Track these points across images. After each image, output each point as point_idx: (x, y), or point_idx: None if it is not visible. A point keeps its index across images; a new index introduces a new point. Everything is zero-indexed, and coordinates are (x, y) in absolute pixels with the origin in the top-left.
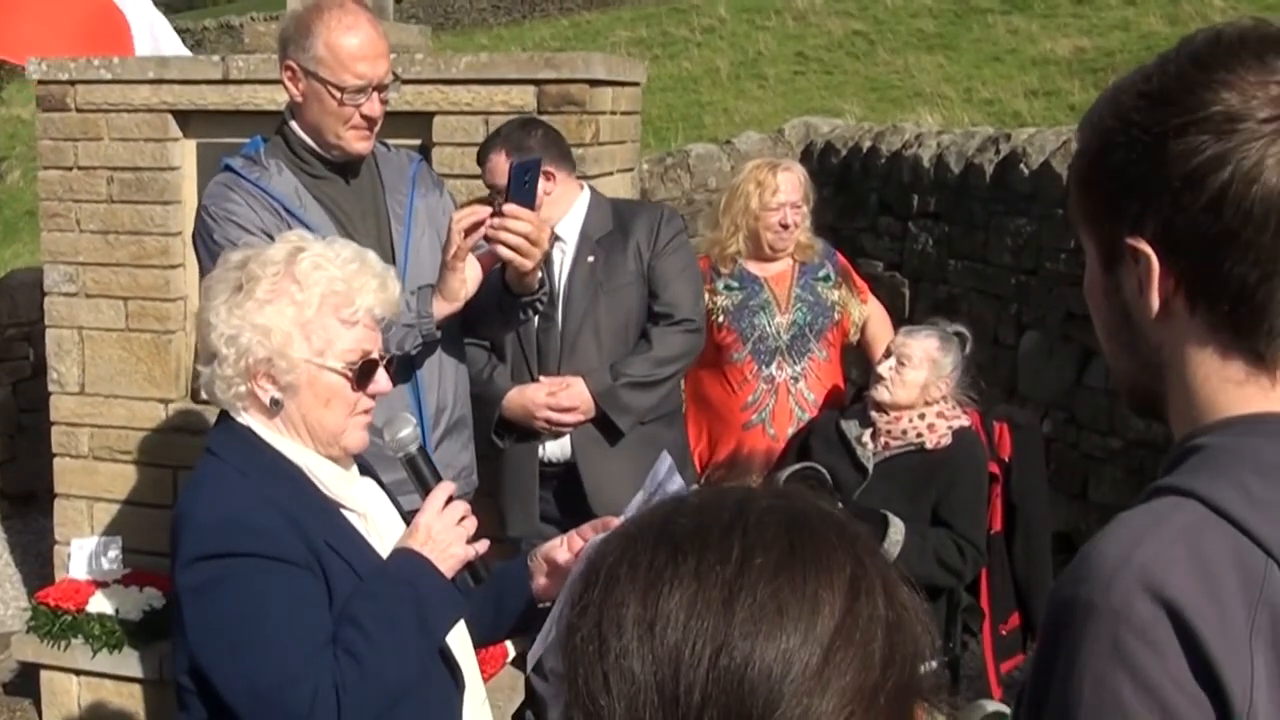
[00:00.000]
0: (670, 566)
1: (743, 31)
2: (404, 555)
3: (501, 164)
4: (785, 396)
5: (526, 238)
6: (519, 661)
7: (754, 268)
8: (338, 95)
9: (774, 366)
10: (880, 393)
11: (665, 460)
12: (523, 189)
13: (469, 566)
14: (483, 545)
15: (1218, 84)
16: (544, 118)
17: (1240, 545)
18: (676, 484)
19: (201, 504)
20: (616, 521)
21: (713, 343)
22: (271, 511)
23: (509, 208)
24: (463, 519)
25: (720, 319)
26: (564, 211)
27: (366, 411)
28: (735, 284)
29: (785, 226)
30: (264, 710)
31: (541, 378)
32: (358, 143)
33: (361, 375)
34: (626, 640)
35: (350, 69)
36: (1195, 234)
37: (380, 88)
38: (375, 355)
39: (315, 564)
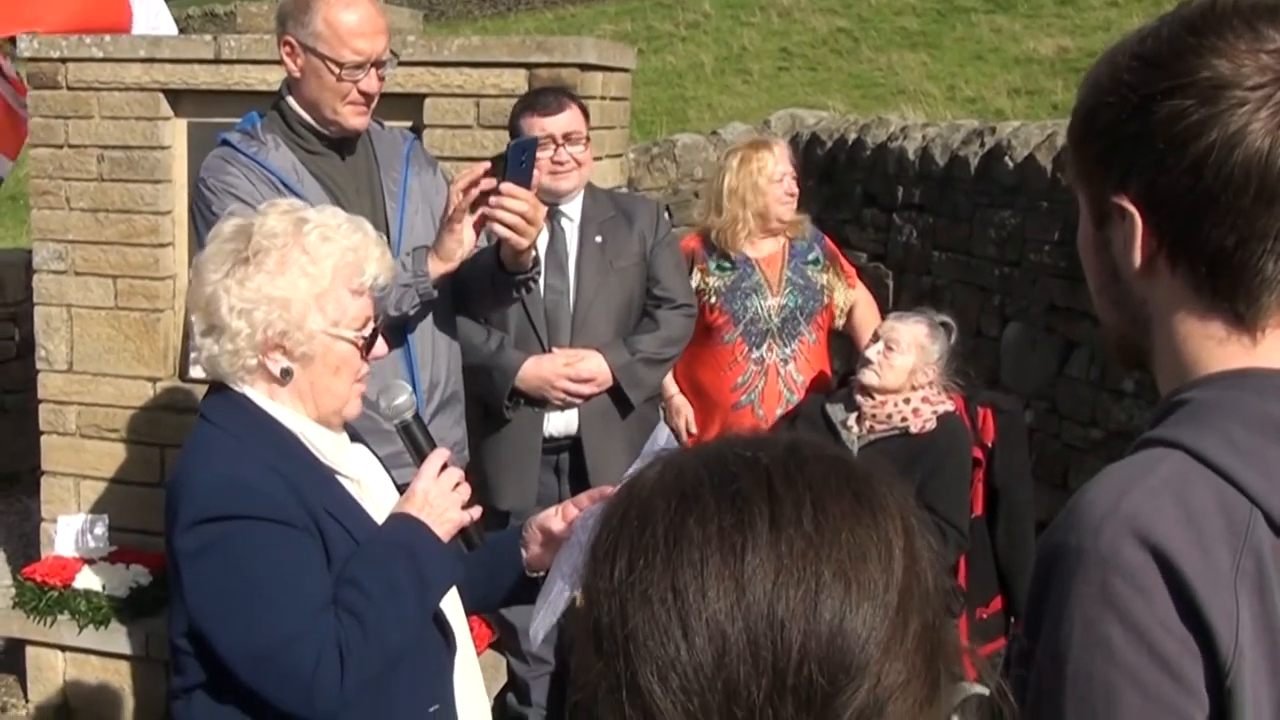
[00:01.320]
0: (746, 524)
1: (727, 27)
2: (401, 519)
3: (533, 126)
4: (775, 378)
5: (523, 216)
6: (500, 644)
7: (746, 249)
8: (336, 71)
9: (764, 348)
10: (867, 376)
11: (664, 430)
12: (520, 167)
13: (463, 533)
14: (476, 511)
15: (1208, 50)
16: None
17: (1225, 493)
18: None
19: (200, 468)
20: (611, 490)
21: (703, 324)
22: (271, 475)
23: (506, 186)
24: (458, 485)
25: (713, 299)
26: (591, 173)
27: (364, 378)
28: (727, 265)
29: (791, 195)
30: (266, 670)
31: (555, 349)
32: (354, 118)
33: (369, 343)
34: (712, 602)
35: (349, 44)
36: (1177, 196)
37: (378, 64)
38: (376, 322)
39: (314, 528)
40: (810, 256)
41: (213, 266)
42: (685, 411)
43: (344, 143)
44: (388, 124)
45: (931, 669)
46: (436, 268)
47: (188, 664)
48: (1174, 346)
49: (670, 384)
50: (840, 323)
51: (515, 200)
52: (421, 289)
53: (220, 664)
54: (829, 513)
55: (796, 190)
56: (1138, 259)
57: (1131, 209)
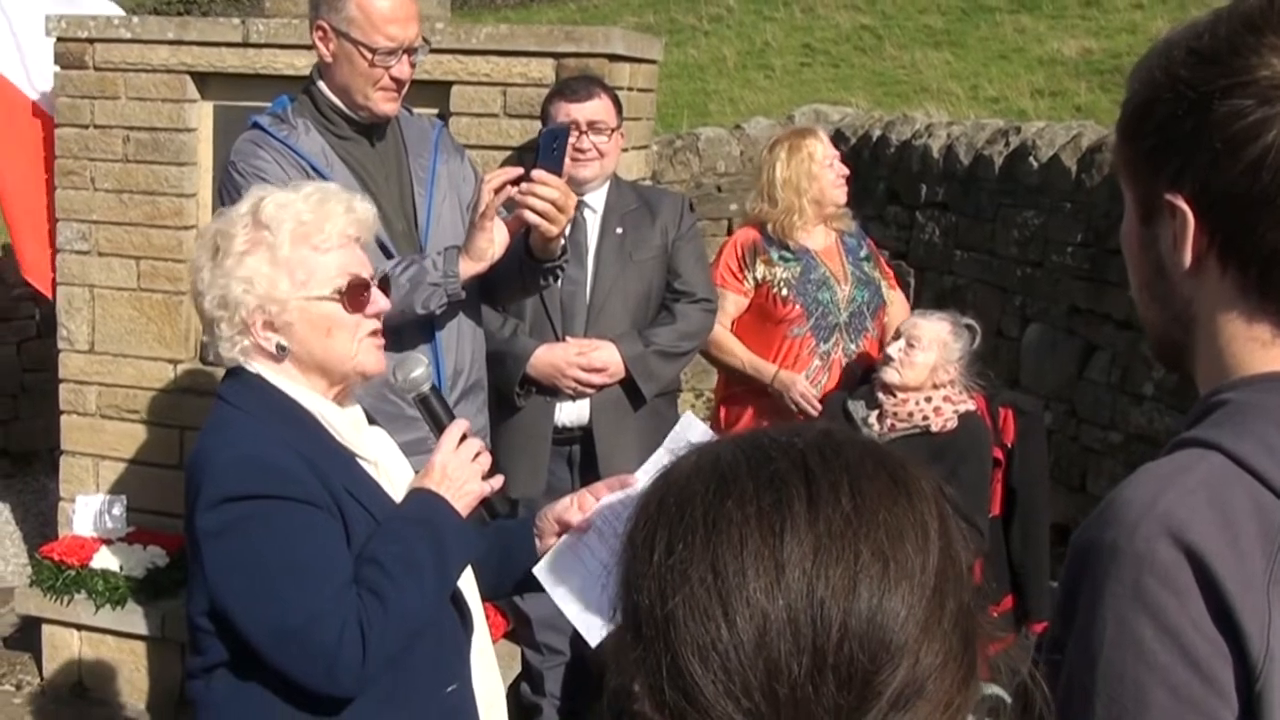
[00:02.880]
0: (785, 505)
1: (750, 22)
2: (421, 495)
3: (560, 111)
4: (838, 374)
5: (554, 203)
6: (514, 634)
7: (805, 240)
8: (368, 56)
9: (831, 343)
10: (889, 374)
11: (695, 422)
12: (551, 155)
13: (485, 503)
14: (497, 481)
15: (1267, 48)
16: None
17: (1261, 497)
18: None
19: (221, 448)
20: (633, 479)
21: (770, 316)
22: (291, 455)
23: (537, 173)
24: (477, 455)
25: (783, 291)
26: (616, 165)
27: (375, 334)
28: (790, 256)
29: (842, 177)
30: (289, 648)
31: (568, 338)
32: (385, 104)
33: (352, 296)
34: (752, 581)
35: (382, 30)
36: (1231, 196)
37: (410, 50)
38: (364, 275)
39: (334, 507)
40: (863, 253)
41: (196, 266)
42: (798, 383)
43: (374, 128)
44: (415, 111)
45: (969, 652)
46: (467, 268)
47: (208, 643)
48: (1217, 347)
49: (767, 365)
50: None
51: (546, 187)
52: (450, 289)
53: (241, 643)
54: (866, 493)
55: (846, 171)
56: (1187, 258)
57: (1183, 207)
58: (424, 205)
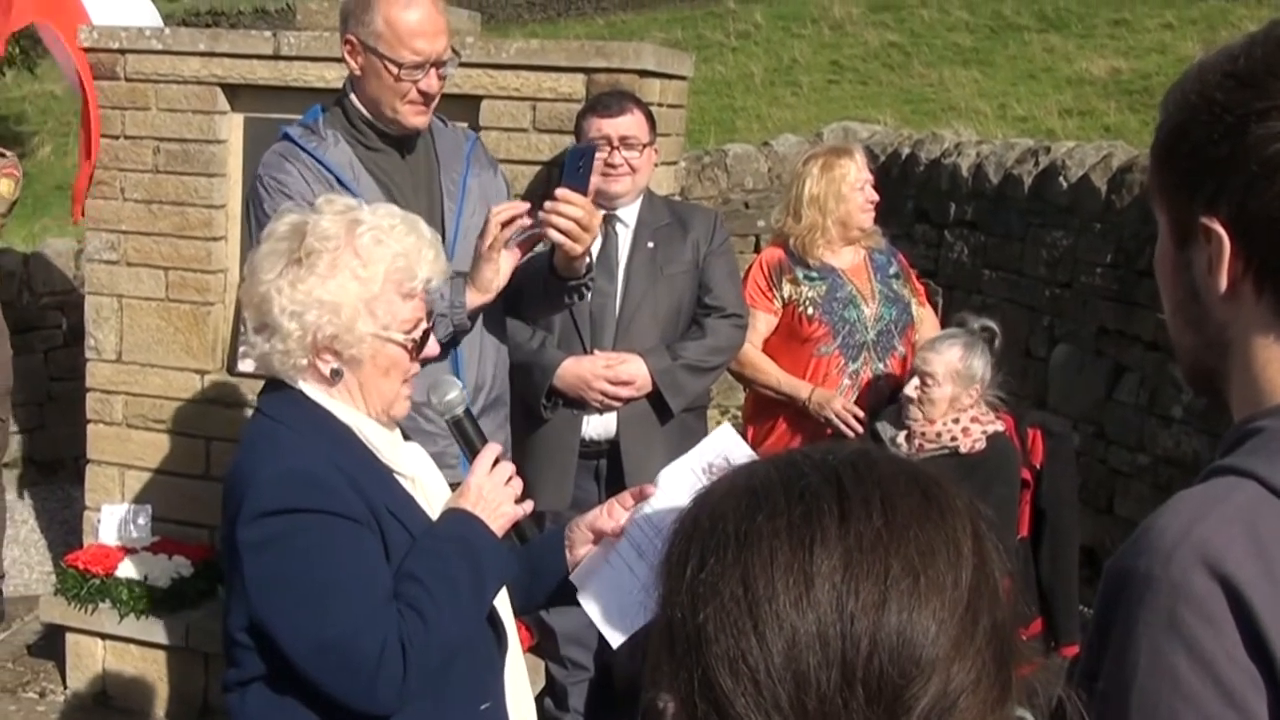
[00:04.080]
0: (815, 519)
1: (778, 38)
2: (457, 514)
3: (592, 127)
4: (867, 393)
5: (578, 222)
6: (538, 648)
7: (830, 259)
8: (395, 70)
9: (860, 361)
10: (911, 413)
11: (734, 438)
12: (577, 173)
13: (515, 527)
14: (529, 506)
15: None
16: None
17: None
18: (745, 455)
19: (264, 462)
20: (653, 489)
21: (796, 334)
22: (332, 470)
23: (561, 191)
24: (510, 479)
25: (810, 310)
26: (649, 180)
27: (413, 378)
28: (815, 275)
29: (871, 202)
30: (330, 663)
31: (596, 351)
32: (414, 117)
33: (419, 345)
34: (781, 594)
35: (408, 45)
36: (1268, 219)
37: (439, 64)
38: (427, 324)
39: (374, 523)
40: (892, 270)
41: (267, 265)
42: (835, 400)
43: (404, 140)
44: (451, 122)
45: (1003, 672)
46: (473, 299)
47: (245, 657)
48: (1252, 373)
49: (802, 384)
50: None
51: (571, 206)
52: (457, 319)
53: (279, 657)
54: (898, 509)
55: (876, 198)
56: (1223, 282)
57: (1219, 230)
58: (453, 219)
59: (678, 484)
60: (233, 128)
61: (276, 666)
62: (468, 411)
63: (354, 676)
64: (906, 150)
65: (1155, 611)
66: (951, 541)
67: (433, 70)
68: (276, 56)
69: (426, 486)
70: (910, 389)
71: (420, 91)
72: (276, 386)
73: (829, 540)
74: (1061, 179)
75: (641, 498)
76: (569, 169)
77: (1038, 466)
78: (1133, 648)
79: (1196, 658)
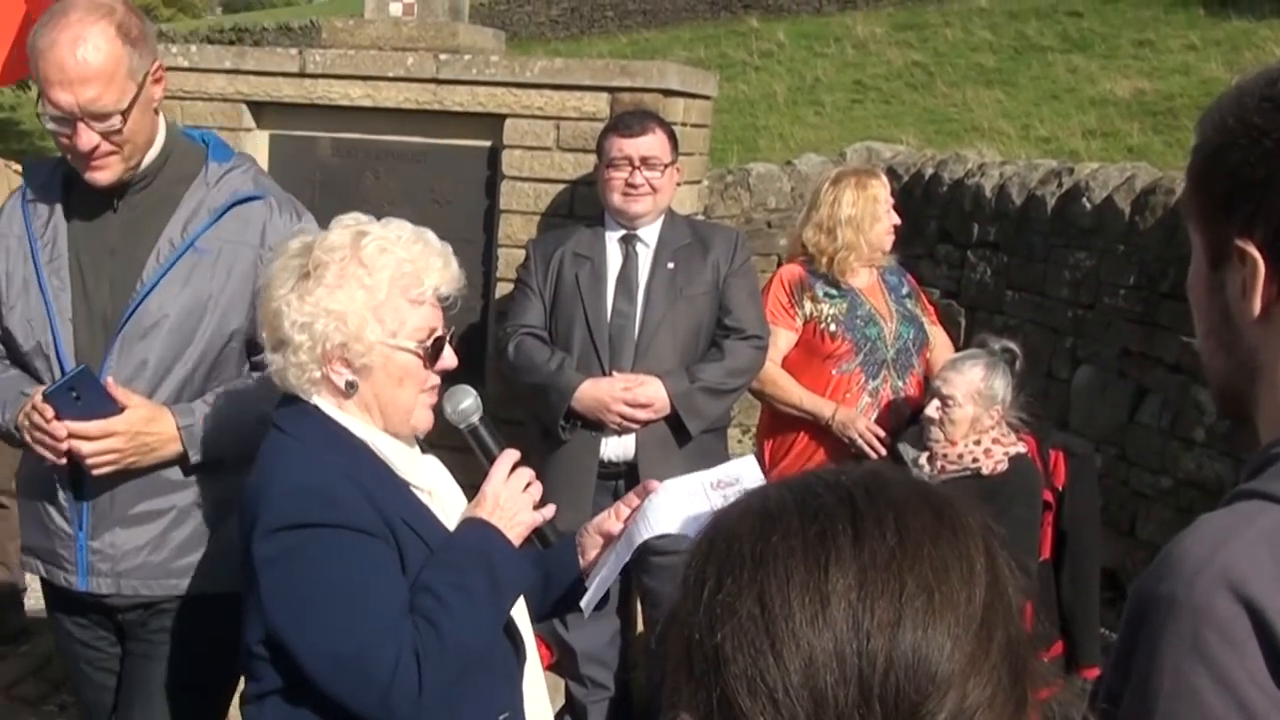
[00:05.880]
0: (830, 539)
1: (801, 58)
2: (473, 524)
3: (614, 146)
4: (887, 412)
5: (112, 451)
6: (558, 667)
7: (850, 278)
8: (48, 126)
9: (880, 379)
10: (933, 434)
11: (753, 463)
12: (75, 403)
13: (537, 532)
14: (549, 510)
15: None
16: None
17: None
18: (757, 481)
19: (278, 476)
20: (656, 484)
21: (817, 352)
22: (347, 484)
23: (73, 426)
24: (528, 485)
25: (831, 327)
26: (671, 200)
27: (433, 389)
28: (836, 293)
29: (895, 225)
30: (345, 676)
31: (615, 373)
32: (92, 174)
33: (432, 353)
34: (798, 613)
35: (48, 94)
36: None
37: (97, 116)
38: (441, 332)
39: (390, 536)
40: (904, 290)
41: (278, 282)
42: (859, 420)
43: (116, 192)
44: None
45: (1018, 688)
46: None
47: (262, 670)
48: None
49: (824, 403)
50: None
51: (89, 441)
52: None
53: (296, 670)
54: (911, 528)
55: (898, 220)
56: (1257, 305)
57: (1254, 253)
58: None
59: (682, 490)
60: (258, 145)
61: (292, 679)
62: (484, 419)
63: (369, 690)
64: (930, 171)
65: (1179, 635)
66: (964, 558)
67: (82, 125)
68: (302, 74)
69: (444, 499)
70: (931, 410)
71: (77, 148)
72: (291, 401)
73: (844, 559)
74: (1085, 200)
75: (644, 494)
76: (61, 401)
77: (1060, 488)
78: (1156, 671)
79: (1220, 681)
